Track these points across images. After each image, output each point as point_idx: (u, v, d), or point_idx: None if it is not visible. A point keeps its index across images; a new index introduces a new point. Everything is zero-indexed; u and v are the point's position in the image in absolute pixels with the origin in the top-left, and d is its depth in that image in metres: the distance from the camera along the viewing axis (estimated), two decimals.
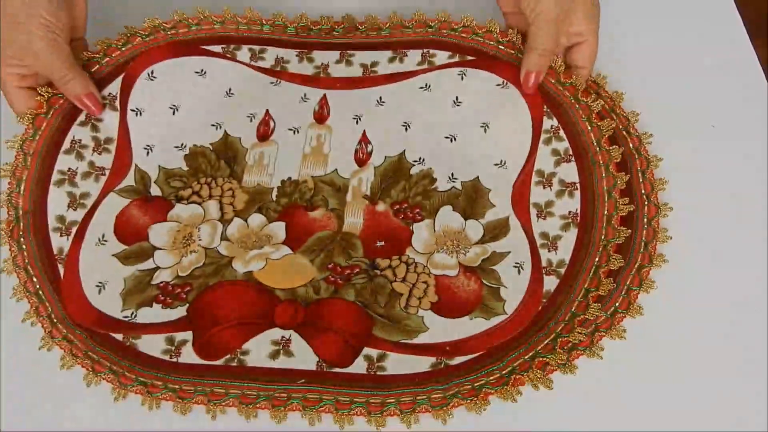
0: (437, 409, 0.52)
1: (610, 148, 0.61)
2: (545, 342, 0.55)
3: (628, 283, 0.56)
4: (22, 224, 0.60)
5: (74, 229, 0.60)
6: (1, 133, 0.65)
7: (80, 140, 0.64)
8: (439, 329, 0.56)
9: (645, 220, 0.59)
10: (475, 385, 0.53)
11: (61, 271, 0.59)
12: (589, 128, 0.62)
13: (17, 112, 0.62)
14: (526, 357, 0.54)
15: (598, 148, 0.61)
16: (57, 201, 0.61)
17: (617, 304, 0.56)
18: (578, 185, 0.61)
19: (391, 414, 0.52)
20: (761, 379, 0.53)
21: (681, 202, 0.59)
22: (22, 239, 0.59)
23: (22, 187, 0.61)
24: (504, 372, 0.54)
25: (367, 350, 0.55)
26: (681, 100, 0.62)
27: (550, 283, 0.57)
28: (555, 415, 0.53)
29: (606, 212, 0.59)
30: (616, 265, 0.57)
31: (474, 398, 0.52)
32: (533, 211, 0.60)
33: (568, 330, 0.55)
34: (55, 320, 0.57)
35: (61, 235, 0.60)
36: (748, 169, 0.62)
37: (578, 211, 0.60)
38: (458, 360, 0.54)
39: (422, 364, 0.54)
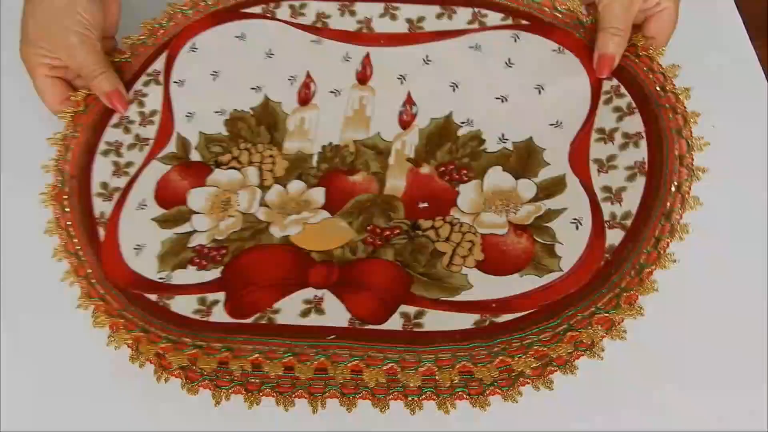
0: (479, 366, 0.46)
1: (677, 89, 0.55)
2: (608, 297, 0.48)
3: (642, 260, 0.49)
4: (67, 188, 0.59)
5: (116, 195, 0.59)
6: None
7: (128, 116, 0.64)
8: (485, 287, 0.51)
9: (674, 185, 0.52)
10: (525, 342, 0.47)
11: (101, 233, 0.57)
12: (652, 77, 0.57)
13: (46, 101, 0.63)
14: (584, 314, 0.48)
15: (663, 93, 0.56)
16: (102, 169, 0.61)
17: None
18: (644, 133, 0.55)
19: (427, 371, 0.47)
20: (761, 379, 0.51)
21: None
22: (65, 202, 0.58)
23: (69, 155, 0.61)
24: (558, 330, 0.47)
25: (403, 308, 0.51)
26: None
27: (615, 236, 0.51)
28: (553, 413, 0.50)
29: (677, 152, 0.53)
30: (694, 206, 0.51)
31: (523, 355, 0.46)
32: (593, 167, 0.55)
33: (635, 284, 0.48)
34: (93, 281, 0.55)
35: (103, 200, 0.59)
36: (748, 169, 0.60)
37: (645, 159, 0.54)
38: (505, 317, 0.49)
39: (465, 321, 0.49)
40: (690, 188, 0.52)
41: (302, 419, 0.50)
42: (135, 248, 0.57)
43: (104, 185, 0.60)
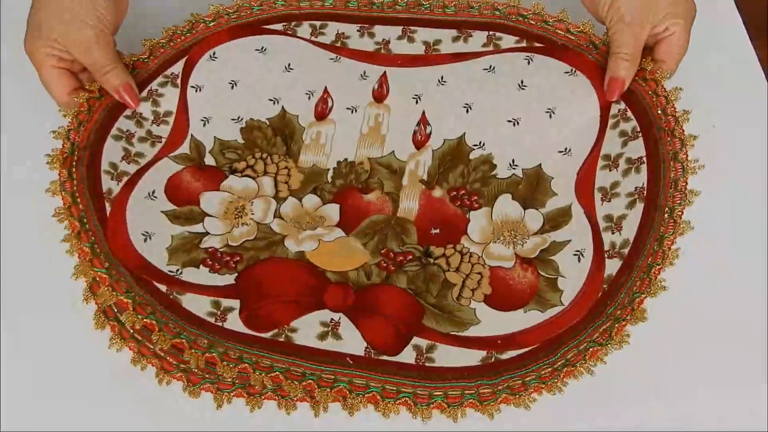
0: (485, 405, 0.50)
1: (677, 113, 0.58)
2: (602, 329, 0.51)
3: (635, 289, 0.53)
4: (76, 156, 0.59)
5: (125, 179, 0.59)
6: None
7: (141, 113, 0.63)
8: (491, 322, 0.54)
9: (668, 210, 0.55)
10: (526, 380, 0.51)
11: (108, 209, 0.57)
12: (655, 100, 0.59)
13: (54, 93, 0.62)
14: (580, 348, 0.51)
15: (663, 117, 0.58)
16: (112, 151, 0.61)
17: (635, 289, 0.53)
18: (644, 158, 0.57)
19: (438, 407, 0.50)
20: (761, 379, 0.52)
21: None
22: (73, 169, 0.58)
23: (82, 129, 0.60)
24: (556, 365, 0.50)
25: (416, 340, 0.53)
26: (681, 100, 0.59)
27: (612, 266, 0.54)
28: (553, 413, 0.51)
29: (673, 176, 0.55)
30: (685, 232, 0.54)
31: (523, 394, 0.50)
32: (598, 196, 0.58)
33: (628, 313, 0.51)
34: (97, 251, 0.55)
35: (111, 179, 0.59)
36: (748, 169, 0.60)
37: (644, 185, 0.56)
38: (510, 354, 0.52)
39: (472, 357, 0.52)
40: (682, 212, 0.54)
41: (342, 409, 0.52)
42: (143, 234, 0.57)
43: (113, 165, 0.60)
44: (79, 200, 0.56)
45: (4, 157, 0.65)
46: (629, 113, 0.60)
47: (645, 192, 0.56)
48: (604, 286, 0.54)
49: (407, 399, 0.50)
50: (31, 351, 0.56)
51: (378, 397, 0.50)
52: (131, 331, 0.53)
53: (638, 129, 0.59)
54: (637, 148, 0.58)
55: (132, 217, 0.58)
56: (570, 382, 0.51)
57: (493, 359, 0.52)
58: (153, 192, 0.60)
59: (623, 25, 0.58)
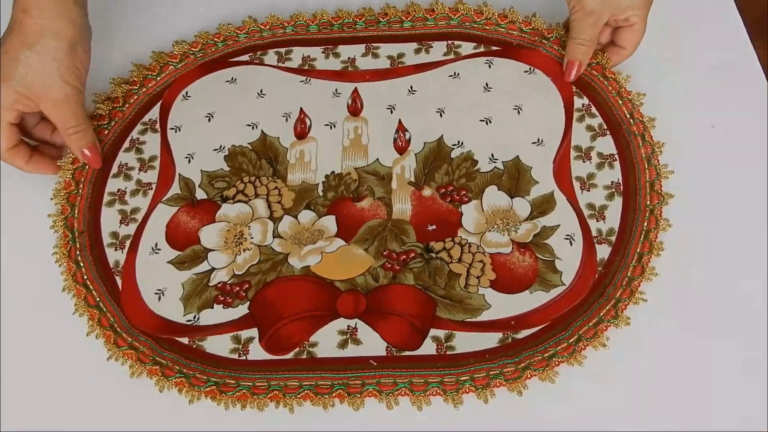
0: (512, 382, 0.52)
1: (644, 118, 0.61)
2: (607, 308, 0.54)
3: (629, 274, 0.56)
4: (78, 244, 0.59)
5: (128, 243, 0.60)
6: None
7: (126, 163, 0.64)
8: (501, 305, 0.55)
9: (648, 206, 0.58)
10: (545, 355, 0.53)
11: (119, 282, 0.58)
12: (620, 102, 0.62)
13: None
14: (590, 324, 0.54)
15: (632, 120, 0.62)
16: (109, 219, 0.61)
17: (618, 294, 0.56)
18: (617, 156, 0.61)
19: (467, 391, 0.52)
20: (761, 378, 0.52)
21: (681, 202, 0.59)
22: (79, 257, 0.59)
23: (76, 211, 0.61)
24: (571, 340, 0.53)
25: (433, 332, 0.54)
26: (681, 100, 0.61)
27: (603, 251, 0.57)
28: (558, 413, 0.52)
29: (648, 179, 0.59)
30: (667, 228, 0.57)
31: (546, 368, 0.52)
32: (576, 184, 0.60)
33: (628, 294, 0.55)
34: (119, 330, 0.56)
35: (116, 249, 0.59)
36: (748, 169, 0.61)
37: (620, 181, 0.60)
38: (524, 333, 0.54)
39: (490, 340, 0.54)
40: (661, 212, 0.57)
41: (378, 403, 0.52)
42: (155, 293, 0.57)
43: (114, 234, 0.60)
44: (91, 287, 0.58)
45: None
46: (593, 109, 0.63)
47: (621, 188, 0.59)
48: (599, 268, 0.56)
49: (437, 389, 0.52)
50: (31, 352, 0.56)
51: (409, 392, 0.51)
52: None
53: (605, 126, 0.62)
54: (608, 146, 0.61)
55: (142, 280, 0.58)
56: (570, 382, 0.52)
57: (510, 339, 0.54)
58: (156, 245, 0.60)
59: (584, 13, 0.61)
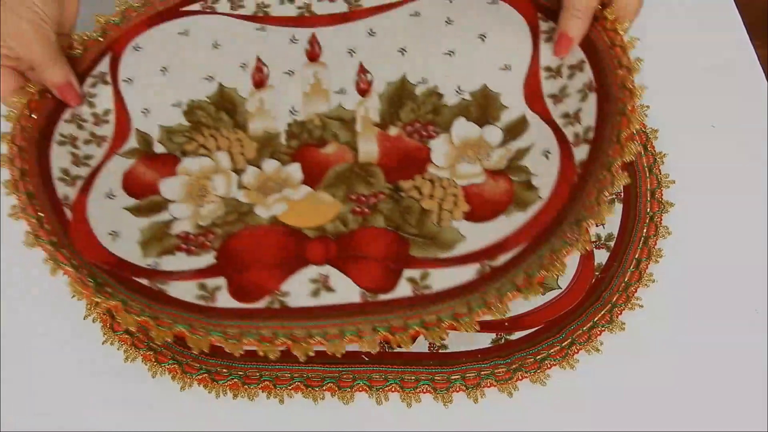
0: (502, 383, 0.51)
1: (647, 129, 0.60)
2: (602, 312, 0.54)
3: (626, 279, 0.55)
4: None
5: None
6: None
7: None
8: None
9: (649, 214, 0.57)
10: (537, 358, 0.52)
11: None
12: (611, 52, 0.55)
13: None
14: (584, 328, 0.54)
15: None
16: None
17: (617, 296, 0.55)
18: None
19: (457, 390, 0.51)
20: (761, 379, 0.52)
21: (681, 202, 0.57)
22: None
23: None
24: (564, 344, 0.53)
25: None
26: (681, 100, 0.60)
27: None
28: (552, 413, 0.52)
29: (649, 188, 0.58)
30: (666, 236, 0.56)
31: (537, 371, 0.51)
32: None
33: (624, 300, 0.54)
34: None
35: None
36: (748, 169, 0.60)
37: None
38: (518, 335, 0.53)
39: (483, 339, 0.53)
40: (661, 219, 0.56)
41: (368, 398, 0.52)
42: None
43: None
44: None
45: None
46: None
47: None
48: (597, 273, 0.56)
49: (427, 386, 0.51)
50: (31, 351, 0.55)
51: (399, 389, 0.51)
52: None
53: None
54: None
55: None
56: (570, 382, 0.52)
57: (503, 340, 0.53)
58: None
59: None
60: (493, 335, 0.54)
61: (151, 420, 0.51)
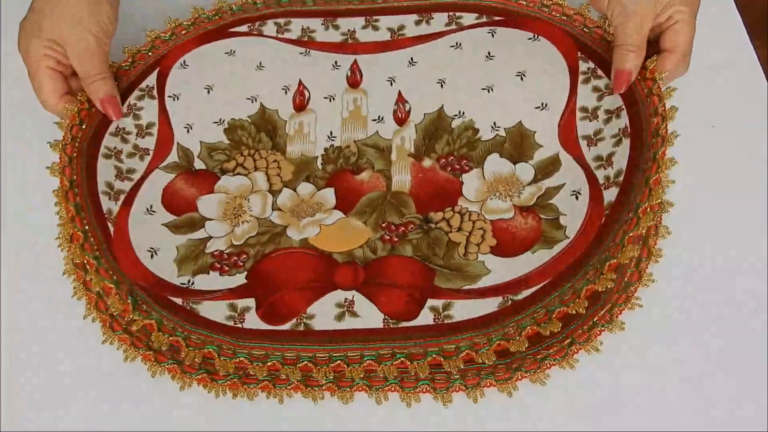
0: (502, 383, 0.49)
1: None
2: (601, 312, 0.51)
3: (627, 278, 0.52)
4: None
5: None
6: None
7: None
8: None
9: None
10: (537, 357, 0.50)
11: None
12: (649, 98, 0.56)
13: (44, 95, 0.59)
14: (584, 328, 0.50)
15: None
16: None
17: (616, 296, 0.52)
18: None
19: (457, 390, 0.49)
20: (761, 379, 0.50)
21: (681, 202, 0.56)
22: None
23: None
24: (564, 344, 0.50)
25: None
26: (681, 100, 0.58)
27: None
28: (551, 412, 0.50)
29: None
30: (666, 236, 0.53)
31: (537, 371, 0.49)
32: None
33: (624, 299, 0.51)
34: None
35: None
36: (748, 169, 0.58)
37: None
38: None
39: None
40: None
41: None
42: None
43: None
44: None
45: (5, 154, 0.63)
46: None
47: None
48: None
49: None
50: (30, 351, 0.54)
51: (398, 388, 0.49)
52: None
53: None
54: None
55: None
56: (569, 381, 0.50)
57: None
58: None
59: (625, 16, 0.56)
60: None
61: (151, 420, 0.51)
